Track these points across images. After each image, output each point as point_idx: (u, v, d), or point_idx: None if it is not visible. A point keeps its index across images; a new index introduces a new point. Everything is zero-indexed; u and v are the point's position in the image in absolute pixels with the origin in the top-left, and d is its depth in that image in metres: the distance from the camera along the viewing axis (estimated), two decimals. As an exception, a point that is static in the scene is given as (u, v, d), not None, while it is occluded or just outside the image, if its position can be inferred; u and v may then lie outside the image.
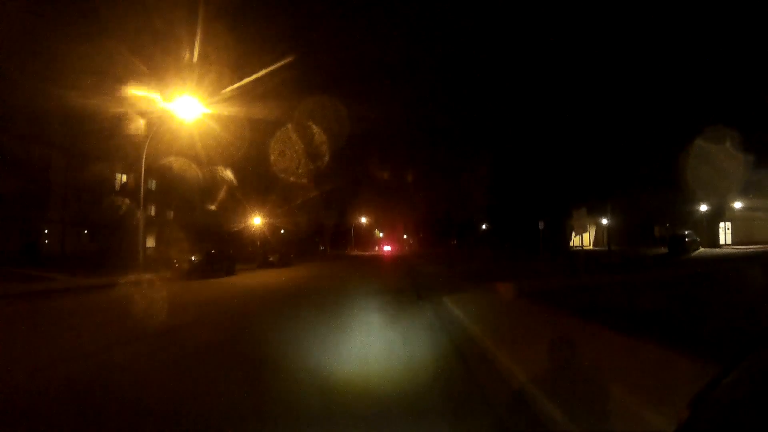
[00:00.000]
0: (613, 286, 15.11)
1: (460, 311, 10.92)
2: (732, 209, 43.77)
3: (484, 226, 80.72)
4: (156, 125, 27.95)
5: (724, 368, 1.63)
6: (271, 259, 35.86)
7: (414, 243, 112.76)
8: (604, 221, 55.86)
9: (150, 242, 45.53)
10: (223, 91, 26.71)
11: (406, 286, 19.33)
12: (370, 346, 7.86)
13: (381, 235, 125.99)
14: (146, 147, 26.69)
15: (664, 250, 38.42)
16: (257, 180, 50.86)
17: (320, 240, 78.85)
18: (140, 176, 26.54)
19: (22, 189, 31.82)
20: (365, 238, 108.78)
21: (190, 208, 49.71)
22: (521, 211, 50.51)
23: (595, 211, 52.80)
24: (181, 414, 4.63)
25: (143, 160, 26.41)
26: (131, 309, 12.48)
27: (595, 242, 60.27)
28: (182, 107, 24.28)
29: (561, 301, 11.36)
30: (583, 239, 59.57)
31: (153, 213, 47.30)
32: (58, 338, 8.63)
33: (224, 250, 28.21)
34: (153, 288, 18.37)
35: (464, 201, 68.89)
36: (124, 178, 43.68)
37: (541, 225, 36.22)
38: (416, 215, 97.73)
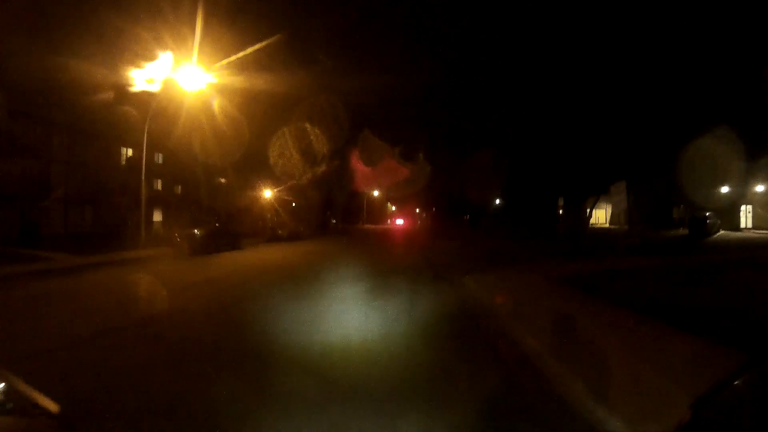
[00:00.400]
0: (647, 271, 13.80)
1: (487, 298, 9.73)
2: (753, 192, 42.59)
3: (498, 202, 79.22)
4: (160, 97, 26.88)
5: (731, 373, 1.71)
6: (279, 232, 34.90)
7: (426, 218, 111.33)
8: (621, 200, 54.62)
9: (158, 217, 44.88)
10: (230, 60, 25.44)
11: (421, 264, 18.19)
12: (387, 350, 6.53)
13: (393, 208, 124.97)
14: (149, 119, 25.73)
15: (683, 231, 37.04)
16: (268, 153, 49.65)
17: (332, 213, 77.78)
18: (145, 150, 25.69)
19: (21, 168, 30.94)
20: (377, 211, 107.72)
21: (198, 183, 48.72)
22: (538, 188, 48.68)
23: (613, 190, 51.43)
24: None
25: (145, 132, 25.46)
26: (110, 294, 11.33)
27: (611, 221, 58.81)
28: (187, 77, 23.17)
29: (601, 290, 10.04)
30: (598, 217, 58.26)
31: (160, 188, 46.28)
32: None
33: (230, 224, 27.18)
34: (147, 266, 17.22)
35: (479, 177, 67.35)
36: (130, 152, 42.57)
37: (560, 203, 34.86)
38: (429, 190, 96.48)
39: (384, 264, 18.62)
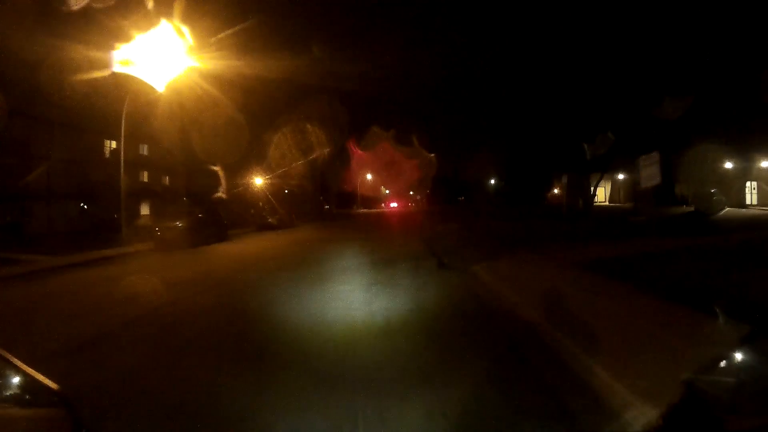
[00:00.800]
0: (680, 254, 12.27)
1: (512, 296, 8.07)
2: (759, 168, 40.86)
3: (492, 182, 78.29)
4: (138, 82, 25.03)
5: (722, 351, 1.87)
6: (270, 220, 33.29)
7: (421, 200, 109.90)
8: (620, 177, 52.99)
9: (145, 210, 43.18)
10: (213, 41, 23.55)
11: (422, 250, 16.75)
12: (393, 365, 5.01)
13: (387, 192, 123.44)
14: (126, 105, 24.09)
15: (687, 208, 35.81)
16: (258, 140, 47.83)
17: (325, 199, 76.10)
18: (127, 140, 24.10)
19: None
20: (371, 195, 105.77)
21: (185, 172, 46.94)
22: (539, 166, 47.30)
23: (613, 166, 49.48)
24: None
25: (123, 119, 23.85)
26: (64, 304, 9.65)
27: (610, 198, 57.27)
28: (165, 61, 21.31)
29: (653, 280, 8.36)
30: (597, 195, 56.66)
31: (146, 179, 44.51)
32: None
33: (216, 214, 25.51)
34: (123, 265, 15.57)
35: (475, 157, 66.21)
36: (114, 144, 40.65)
37: (564, 180, 33.34)
38: (422, 171, 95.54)
39: (381, 252, 17.06)
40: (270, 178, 52.69)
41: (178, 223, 21.34)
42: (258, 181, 50.90)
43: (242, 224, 34.06)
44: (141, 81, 23.96)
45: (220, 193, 43.06)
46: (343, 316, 7.56)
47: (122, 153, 24.49)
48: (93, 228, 30.91)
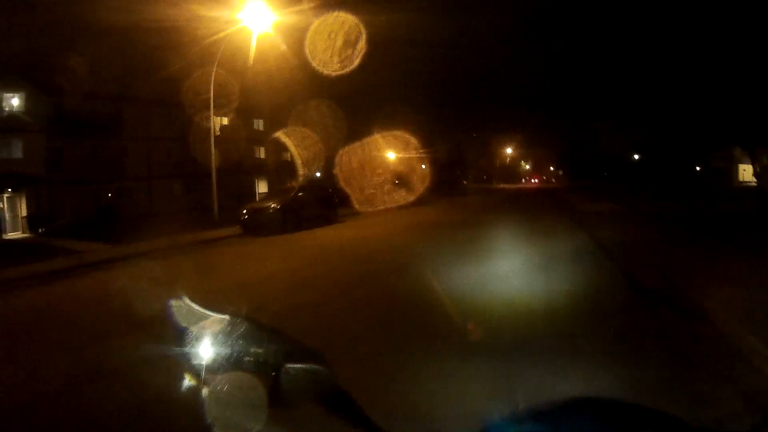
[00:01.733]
0: None
1: None
2: None
3: (636, 156, 68.89)
4: (229, 46, 20.79)
5: None
6: (396, 198, 27.76)
7: (562, 175, 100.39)
8: None
9: (263, 188, 40.02)
10: None
11: (588, 247, 10.90)
12: None
13: (527, 167, 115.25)
14: (215, 69, 20.07)
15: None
16: (386, 104, 42.74)
17: (462, 173, 69.86)
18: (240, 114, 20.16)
19: (92, 149, 27.27)
20: (510, 169, 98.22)
21: (308, 147, 42.80)
22: (692, 140, 41.96)
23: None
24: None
25: (212, 83, 19.83)
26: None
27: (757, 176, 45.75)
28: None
29: None
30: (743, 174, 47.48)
31: (262, 156, 41.16)
32: None
33: (322, 191, 20.40)
34: (189, 256, 12.57)
35: (616, 130, 58.72)
36: (225, 121, 37.49)
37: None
38: (564, 146, 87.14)
39: (539, 254, 10.09)
40: (403, 152, 47.25)
41: (271, 205, 16.75)
42: (390, 155, 45.55)
43: (365, 202, 28.92)
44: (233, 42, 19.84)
45: (345, 168, 38.30)
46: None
47: (212, 123, 20.58)
48: (196, 208, 27.38)
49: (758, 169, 38.95)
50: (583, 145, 78.00)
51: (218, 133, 36.17)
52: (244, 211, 16.58)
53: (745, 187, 41.26)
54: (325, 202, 19.25)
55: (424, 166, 55.36)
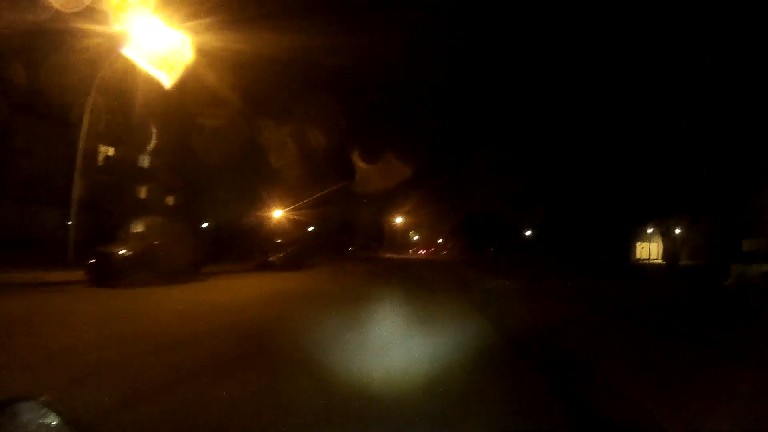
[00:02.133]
0: None
1: None
2: None
3: (528, 233, 71.67)
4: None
5: None
6: (271, 258, 26.33)
7: (453, 247, 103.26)
8: (677, 231, 44.48)
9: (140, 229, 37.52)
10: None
11: (493, 335, 8.06)
12: None
13: (416, 237, 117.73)
14: (95, 86, 18.62)
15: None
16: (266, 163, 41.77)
17: (349, 239, 69.39)
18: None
19: None
20: (399, 239, 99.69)
21: (194, 192, 40.86)
22: (615, 210, 41.18)
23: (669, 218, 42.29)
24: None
25: (87, 111, 18.53)
26: None
27: (664, 255, 49.28)
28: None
29: None
30: (643, 252, 51.52)
31: (144, 195, 38.95)
32: None
33: (190, 241, 18.99)
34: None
35: (509, 204, 60.65)
36: (111, 151, 35.22)
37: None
38: (454, 218, 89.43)
39: (441, 347, 7.09)
40: (289, 210, 46.21)
41: (120, 251, 15.07)
42: (277, 213, 44.42)
43: (243, 259, 27.50)
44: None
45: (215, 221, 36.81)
46: None
47: (80, 150, 18.68)
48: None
49: (668, 246, 41.38)
50: (477, 218, 79.88)
51: (101, 163, 33.93)
52: (93, 255, 14.71)
53: (644, 265, 43.94)
54: (190, 254, 17.71)
55: (311, 228, 54.51)
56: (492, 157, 58.18)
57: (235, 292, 14.97)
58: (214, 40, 18.61)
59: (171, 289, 14.21)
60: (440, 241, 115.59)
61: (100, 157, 34.29)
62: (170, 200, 41.84)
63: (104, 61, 18.66)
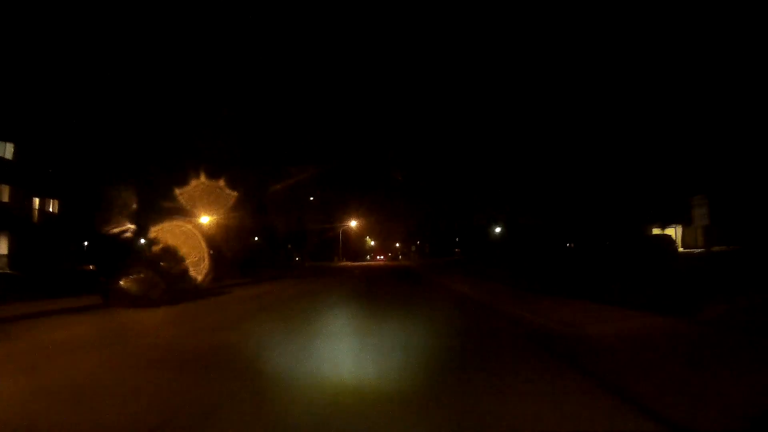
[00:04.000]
0: None
1: None
2: None
3: (498, 230, 64.31)
4: None
5: None
6: (122, 284, 15.30)
7: (414, 252, 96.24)
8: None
9: (3, 249, 28.07)
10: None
11: None
12: None
13: (372, 243, 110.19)
14: None
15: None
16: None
17: (294, 248, 60.72)
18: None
19: None
20: (355, 245, 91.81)
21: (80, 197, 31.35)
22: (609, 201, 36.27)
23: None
24: None
25: None
26: None
27: (684, 243, 42.63)
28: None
29: None
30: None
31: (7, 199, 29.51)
32: None
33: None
34: None
35: (475, 201, 54.89)
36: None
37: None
38: (414, 220, 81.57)
39: None
40: (217, 217, 36.20)
41: None
42: (204, 219, 34.49)
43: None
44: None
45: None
46: None
47: None
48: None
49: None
50: (439, 219, 72.44)
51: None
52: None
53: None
54: None
55: (257, 238, 45.95)
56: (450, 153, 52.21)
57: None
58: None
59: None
60: (397, 245, 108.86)
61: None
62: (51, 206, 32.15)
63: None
